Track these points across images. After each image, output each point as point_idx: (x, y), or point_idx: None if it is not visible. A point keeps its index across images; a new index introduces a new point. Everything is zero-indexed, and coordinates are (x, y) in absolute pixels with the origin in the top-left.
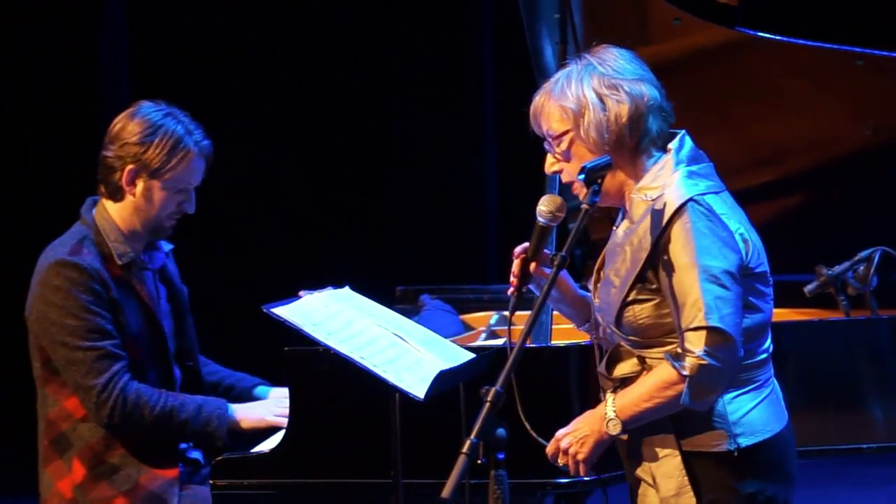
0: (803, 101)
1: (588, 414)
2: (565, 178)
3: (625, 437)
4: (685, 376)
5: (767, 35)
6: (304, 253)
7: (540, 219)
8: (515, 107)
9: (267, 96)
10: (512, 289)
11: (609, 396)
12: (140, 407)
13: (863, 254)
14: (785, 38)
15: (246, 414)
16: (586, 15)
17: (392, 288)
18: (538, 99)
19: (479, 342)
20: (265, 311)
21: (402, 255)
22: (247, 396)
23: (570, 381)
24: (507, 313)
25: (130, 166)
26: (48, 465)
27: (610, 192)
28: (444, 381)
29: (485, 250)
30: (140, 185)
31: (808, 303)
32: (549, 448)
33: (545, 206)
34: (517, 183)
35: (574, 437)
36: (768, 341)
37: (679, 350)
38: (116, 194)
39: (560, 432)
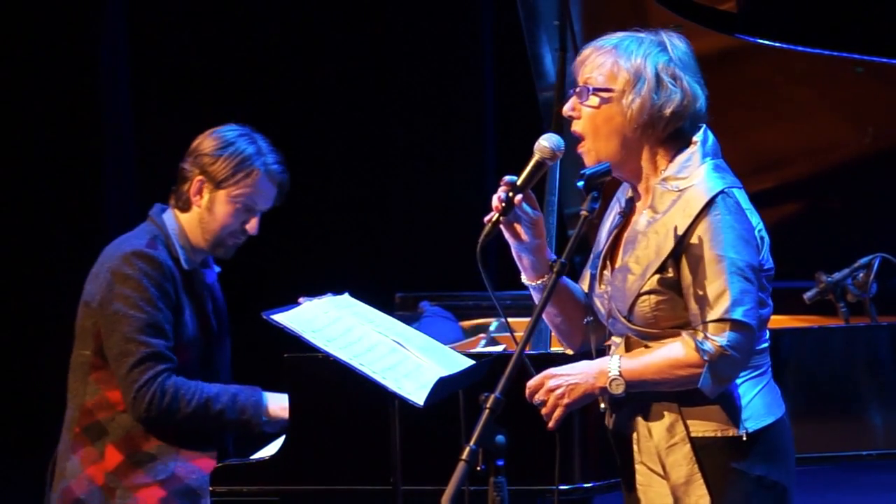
0: (803, 108)
1: (585, 363)
2: (576, 127)
3: (610, 423)
4: (706, 361)
5: (767, 42)
6: (304, 259)
7: (537, 153)
8: (516, 114)
9: (265, 101)
10: (492, 215)
11: (616, 356)
12: (177, 401)
13: (862, 260)
14: (785, 45)
15: (275, 402)
16: (586, 22)
17: (391, 294)
18: (594, 47)
19: (479, 349)
20: (265, 317)
21: (401, 262)
22: None
23: None
24: (505, 318)
25: (199, 177)
26: (77, 450)
27: (623, 166)
28: (444, 388)
29: (484, 257)
30: (205, 196)
31: (807, 309)
32: (534, 381)
33: (546, 142)
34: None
35: (566, 381)
36: (767, 334)
37: (701, 335)
38: (185, 205)
39: (551, 371)
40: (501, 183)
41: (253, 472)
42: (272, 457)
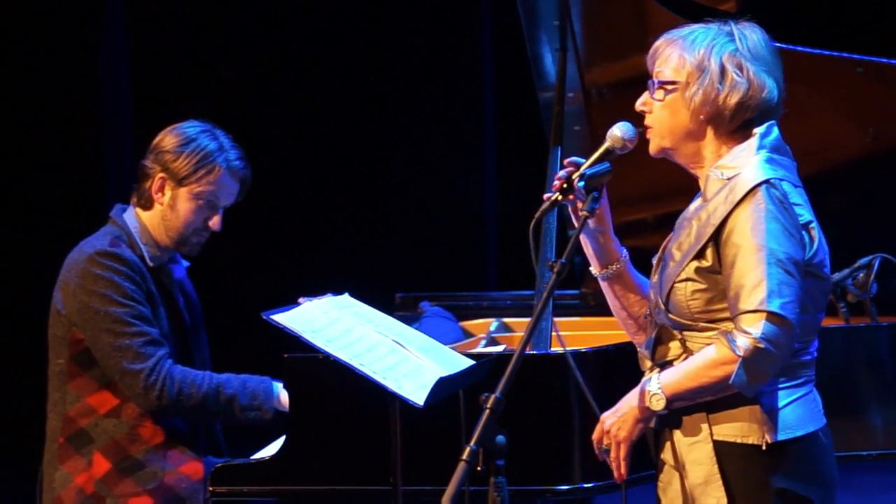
0: (803, 108)
1: (629, 394)
2: (647, 121)
3: (651, 423)
4: (739, 356)
5: None
6: (304, 260)
7: (608, 140)
8: (516, 114)
9: (265, 101)
10: (553, 194)
11: (654, 372)
12: (188, 386)
13: (862, 261)
14: (785, 46)
15: (285, 393)
16: (586, 22)
17: (391, 295)
18: (665, 39)
19: (479, 349)
20: (264, 317)
21: (401, 262)
22: None
23: (570, 388)
24: (513, 322)
25: (160, 174)
26: (64, 461)
27: (688, 157)
28: (444, 388)
29: (485, 257)
30: (167, 193)
31: None
32: (595, 433)
33: (618, 130)
34: (517, 190)
35: (615, 417)
36: (815, 346)
37: (734, 330)
38: (147, 203)
39: (605, 413)
40: (566, 163)
41: (253, 472)
42: (272, 457)
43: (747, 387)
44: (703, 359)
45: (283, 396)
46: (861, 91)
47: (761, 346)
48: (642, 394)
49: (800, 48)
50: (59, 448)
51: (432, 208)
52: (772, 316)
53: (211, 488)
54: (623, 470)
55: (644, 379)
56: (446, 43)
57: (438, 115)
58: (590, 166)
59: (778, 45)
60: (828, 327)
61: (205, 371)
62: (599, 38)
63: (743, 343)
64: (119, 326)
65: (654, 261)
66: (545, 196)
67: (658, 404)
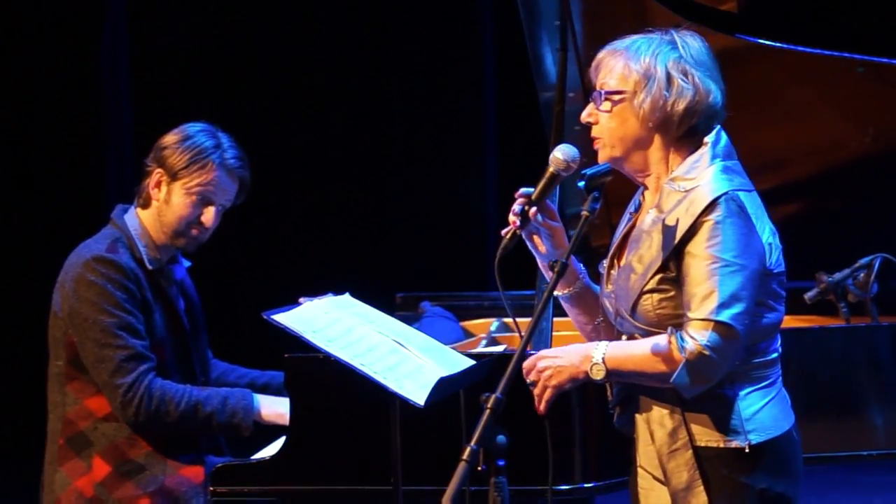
0: (804, 108)
1: (575, 347)
2: (594, 131)
3: (616, 416)
4: (683, 358)
5: (768, 42)
6: (305, 260)
7: (551, 166)
8: (516, 114)
9: (266, 101)
10: (509, 229)
11: (604, 342)
12: (165, 403)
13: (863, 261)
14: (786, 46)
15: (269, 407)
16: (586, 21)
17: (392, 295)
18: (607, 51)
19: (480, 349)
20: (265, 317)
21: (402, 262)
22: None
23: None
24: (508, 314)
25: (157, 171)
26: (64, 463)
27: (636, 166)
28: (445, 388)
29: (485, 257)
30: (163, 188)
31: (808, 309)
32: (528, 361)
33: (560, 154)
34: (517, 190)
35: (553, 363)
36: (778, 342)
37: (684, 331)
38: (146, 201)
39: (544, 352)
40: (516, 195)
41: (253, 472)
42: (273, 457)
43: (687, 388)
44: (652, 349)
45: (266, 410)
46: (861, 91)
47: (706, 353)
48: (585, 357)
49: (800, 48)
50: (59, 449)
51: (433, 208)
52: (719, 326)
53: (211, 488)
54: (542, 407)
55: (591, 344)
56: (447, 43)
57: (439, 115)
58: (538, 194)
59: (778, 44)
60: (828, 327)
61: (186, 386)
62: (600, 38)
63: (689, 346)
64: (104, 337)
65: (603, 269)
66: (503, 232)
67: (598, 374)
